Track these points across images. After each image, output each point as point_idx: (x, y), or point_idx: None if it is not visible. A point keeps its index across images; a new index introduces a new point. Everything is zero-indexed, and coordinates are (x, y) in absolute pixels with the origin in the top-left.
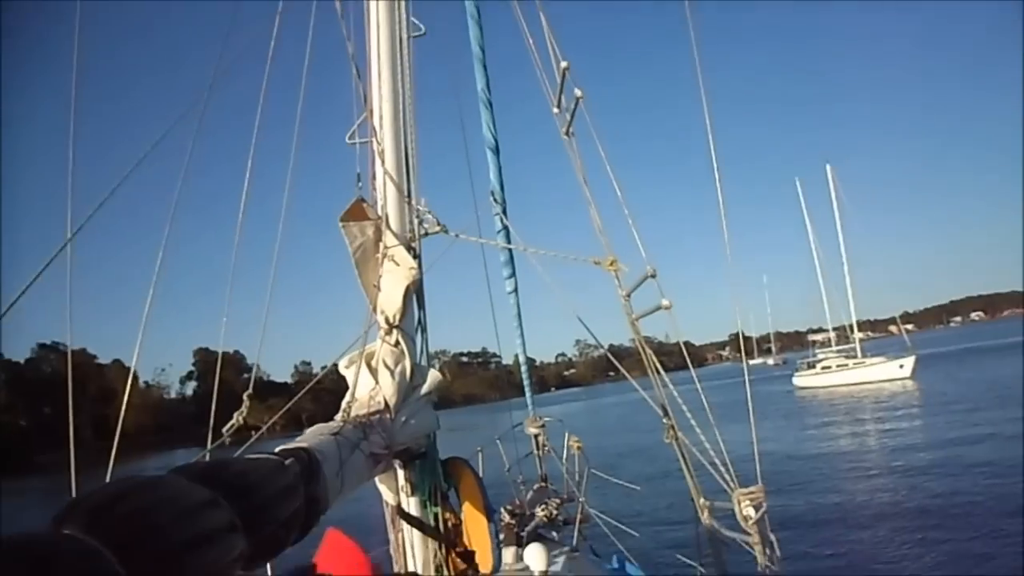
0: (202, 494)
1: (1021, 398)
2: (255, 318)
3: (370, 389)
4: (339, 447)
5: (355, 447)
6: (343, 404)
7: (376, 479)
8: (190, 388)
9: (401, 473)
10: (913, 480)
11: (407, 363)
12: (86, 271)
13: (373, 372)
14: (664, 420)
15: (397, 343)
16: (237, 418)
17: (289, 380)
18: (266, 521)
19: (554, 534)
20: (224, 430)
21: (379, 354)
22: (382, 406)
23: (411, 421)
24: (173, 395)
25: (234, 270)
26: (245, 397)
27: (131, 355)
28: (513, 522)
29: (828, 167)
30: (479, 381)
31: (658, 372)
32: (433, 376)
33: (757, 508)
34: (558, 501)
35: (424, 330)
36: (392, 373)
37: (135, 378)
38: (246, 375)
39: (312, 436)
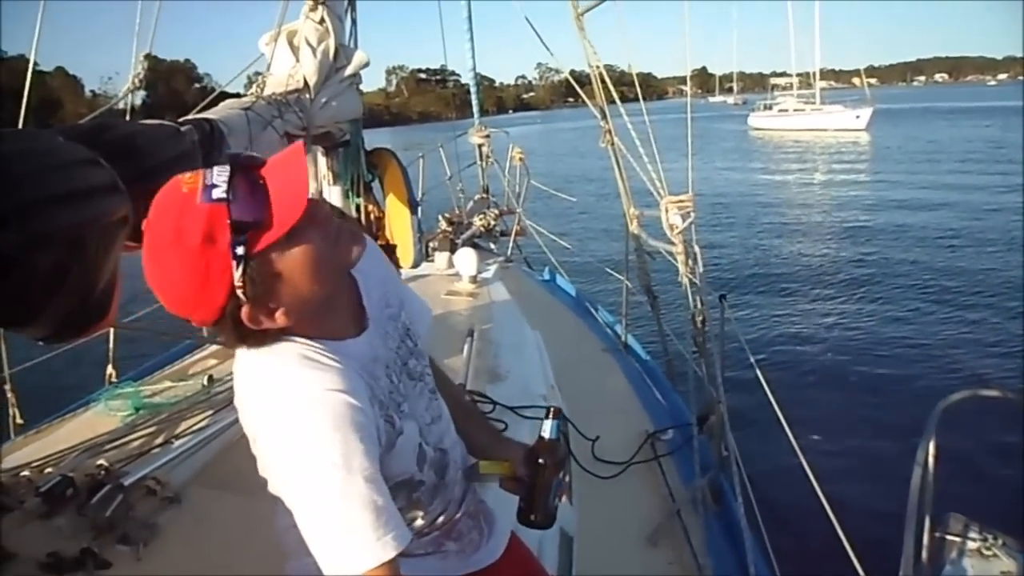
0: (78, 152)
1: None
2: (205, 24)
3: (290, 67)
4: (249, 122)
5: (267, 124)
6: (258, 78)
7: None
8: (139, 98)
9: (323, 161)
10: (850, 227)
11: (331, 42)
12: None
13: (294, 50)
14: (602, 124)
15: (322, 20)
16: (133, 81)
17: (242, 90)
18: (154, 187)
19: (491, 245)
20: (119, 97)
21: (302, 31)
22: (301, 85)
23: (332, 103)
24: (121, 106)
25: None
26: (141, 69)
27: (75, 63)
28: (450, 230)
29: None
30: (436, 99)
31: (599, 72)
32: (359, 57)
33: (684, 218)
34: (496, 212)
35: (354, 10)
36: (314, 51)
37: (81, 87)
38: (197, 84)
39: (220, 110)
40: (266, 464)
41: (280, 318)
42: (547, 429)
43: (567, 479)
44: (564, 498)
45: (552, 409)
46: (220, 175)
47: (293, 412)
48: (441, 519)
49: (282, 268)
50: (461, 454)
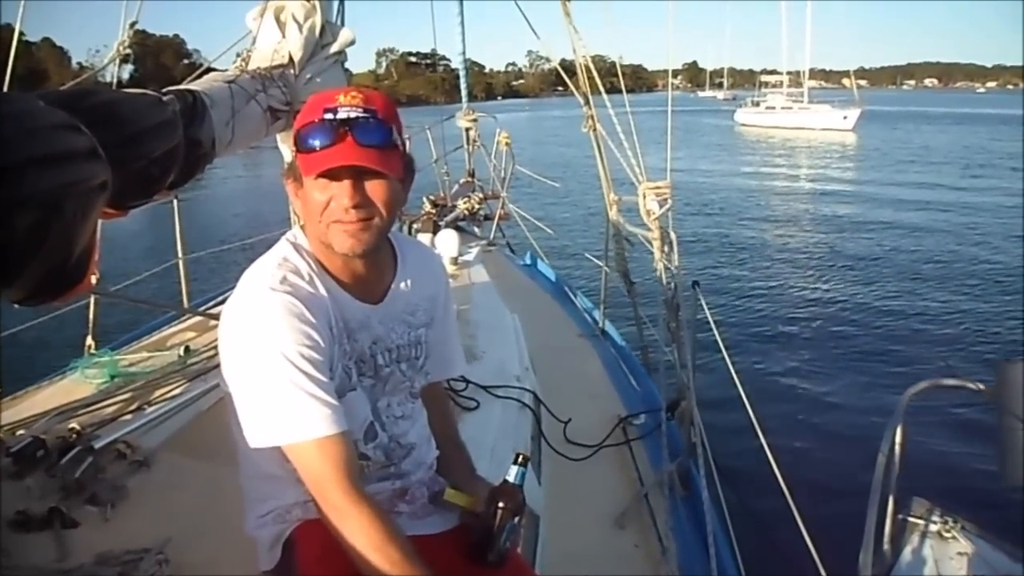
0: (58, 117)
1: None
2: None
3: (275, 43)
4: (232, 95)
5: (251, 98)
6: (243, 52)
7: (278, 139)
8: (127, 72)
9: None
10: (827, 224)
11: (318, 19)
12: None
13: (281, 26)
14: (584, 109)
15: None
16: (118, 48)
17: (230, 67)
18: (134, 155)
19: (475, 229)
20: (104, 65)
21: (289, 7)
22: (286, 60)
23: (316, 79)
24: (109, 79)
25: None
26: (127, 37)
27: (63, 34)
28: (434, 212)
29: None
30: (425, 82)
31: (584, 59)
32: (345, 35)
33: (662, 204)
34: (481, 196)
35: None
36: (300, 27)
37: (68, 59)
38: (185, 60)
39: (204, 82)
40: (220, 335)
41: (298, 204)
42: (512, 474)
43: (521, 526)
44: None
45: (520, 456)
46: (348, 109)
47: (250, 290)
48: (399, 484)
49: (304, 182)
50: (428, 459)
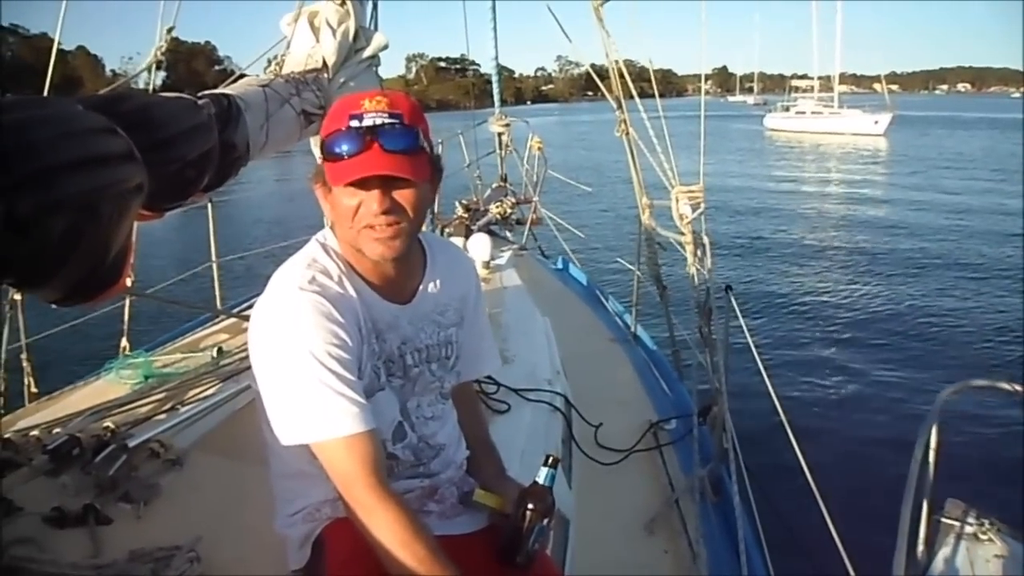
0: (95, 120)
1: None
2: (228, 7)
3: (309, 47)
4: (266, 99)
5: (285, 102)
6: (277, 57)
7: (311, 142)
8: (159, 78)
9: None
10: (859, 228)
11: (351, 24)
12: None
13: (315, 31)
14: (617, 113)
15: (343, 2)
16: (155, 54)
17: (262, 73)
18: (170, 157)
19: (507, 233)
20: (141, 69)
21: (323, 12)
22: (319, 65)
23: (350, 83)
24: (142, 85)
25: None
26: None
27: (97, 42)
28: (466, 216)
29: None
30: (455, 87)
31: (617, 63)
32: (378, 39)
33: (694, 208)
34: (513, 201)
35: None
36: (334, 32)
37: (102, 66)
38: (217, 66)
39: (238, 86)
40: (250, 334)
41: (327, 208)
42: (542, 476)
43: (550, 527)
44: (545, 545)
45: (550, 458)
46: (373, 115)
47: (280, 289)
48: (428, 483)
49: (332, 188)
50: (457, 459)
